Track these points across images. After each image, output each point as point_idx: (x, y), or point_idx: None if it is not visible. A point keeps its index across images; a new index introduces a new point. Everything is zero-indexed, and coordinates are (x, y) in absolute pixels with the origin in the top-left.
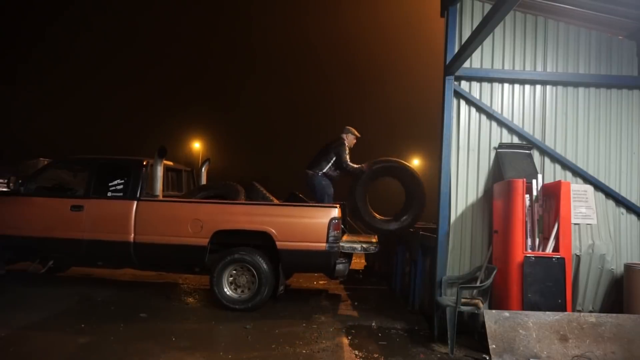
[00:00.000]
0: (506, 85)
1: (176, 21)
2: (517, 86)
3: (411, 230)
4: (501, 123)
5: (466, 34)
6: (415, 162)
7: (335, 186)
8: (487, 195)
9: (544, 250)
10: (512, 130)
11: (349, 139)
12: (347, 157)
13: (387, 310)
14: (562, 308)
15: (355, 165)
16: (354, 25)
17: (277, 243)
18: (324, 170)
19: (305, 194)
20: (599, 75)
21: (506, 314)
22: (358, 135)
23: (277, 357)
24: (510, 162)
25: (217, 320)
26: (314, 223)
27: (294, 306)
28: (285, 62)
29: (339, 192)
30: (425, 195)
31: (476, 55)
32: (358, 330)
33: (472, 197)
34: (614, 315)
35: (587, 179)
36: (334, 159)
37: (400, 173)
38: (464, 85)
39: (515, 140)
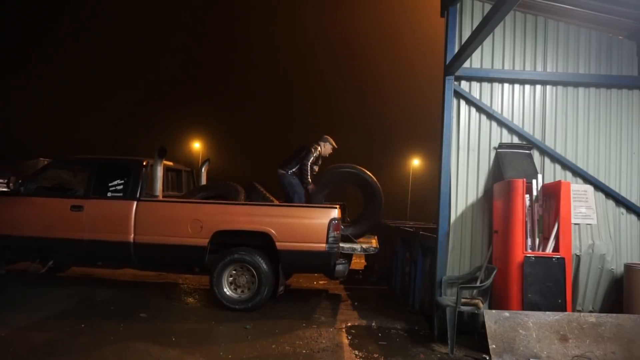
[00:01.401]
0: (506, 85)
1: (176, 22)
2: (517, 86)
3: (411, 230)
4: (501, 123)
5: (466, 34)
6: (415, 162)
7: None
8: (487, 195)
9: (544, 250)
10: (512, 130)
11: (326, 148)
12: (311, 160)
13: (387, 310)
14: (562, 308)
15: (309, 179)
16: (354, 26)
17: (277, 243)
18: (294, 169)
19: (278, 193)
20: (599, 75)
21: (506, 314)
22: (335, 146)
23: (277, 357)
24: (510, 162)
25: (217, 320)
26: (313, 224)
27: (294, 306)
28: (286, 62)
29: (339, 192)
30: (382, 201)
31: (476, 55)
32: (358, 330)
33: (472, 197)
34: (614, 315)
35: (587, 179)
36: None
37: (357, 179)
38: (464, 85)
39: (515, 140)
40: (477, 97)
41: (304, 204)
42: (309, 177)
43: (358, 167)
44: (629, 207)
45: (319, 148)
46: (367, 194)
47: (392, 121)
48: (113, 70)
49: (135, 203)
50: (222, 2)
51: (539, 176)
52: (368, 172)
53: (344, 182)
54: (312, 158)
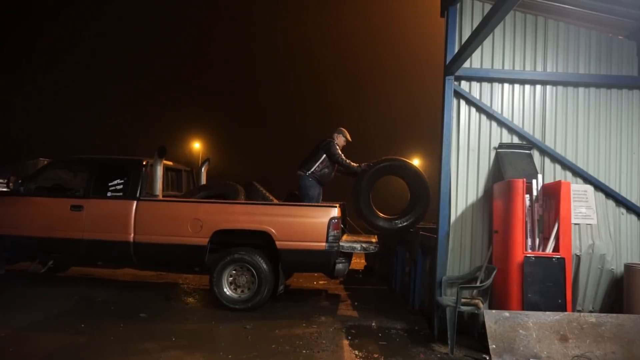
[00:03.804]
0: (506, 85)
1: (176, 22)
2: (517, 86)
3: (411, 230)
4: (501, 123)
5: (466, 34)
6: (416, 162)
7: (334, 185)
8: (487, 195)
9: (544, 250)
10: (512, 130)
11: (339, 140)
12: (338, 150)
13: (387, 310)
14: (562, 308)
15: (353, 163)
16: (354, 26)
17: (277, 243)
18: (311, 170)
19: (278, 193)
20: (599, 75)
21: (506, 314)
22: (349, 139)
23: (277, 357)
24: (510, 162)
25: (217, 320)
26: (313, 223)
27: (294, 306)
28: (286, 62)
29: (339, 192)
30: (429, 194)
31: (476, 55)
32: (358, 330)
33: (472, 197)
34: (614, 315)
35: (587, 179)
36: (323, 157)
37: (403, 172)
38: (464, 85)
39: (515, 140)
40: (477, 97)
41: (303, 203)
42: (347, 161)
43: (403, 159)
44: (629, 207)
45: (334, 140)
46: (413, 186)
47: (392, 121)
48: (112, 70)
49: (135, 203)
50: (225, 4)
51: (539, 176)
52: (412, 163)
53: (386, 175)
54: (337, 150)
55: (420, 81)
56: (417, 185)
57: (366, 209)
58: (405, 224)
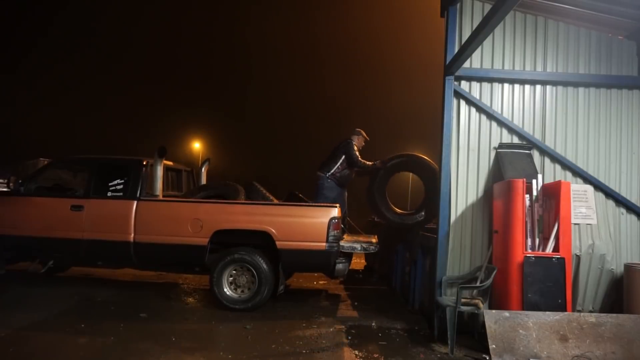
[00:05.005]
0: (506, 85)
1: (177, 22)
2: (517, 86)
3: (411, 230)
4: (501, 123)
5: (466, 34)
6: None
7: (350, 187)
8: (487, 195)
9: (544, 250)
10: (512, 130)
11: (358, 141)
12: (357, 154)
13: (387, 310)
14: (562, 308)
15: (368, 162)
16: (354, 26)
17: (277, 243)
18: (331, 172)
19: (309, 194)
20: (599, 75)
21: (506, 314)
22: (367, 138)
23: (277, 357)
24: (510, 162)
25: (217, 320)
26: (313, 223)
27: (294, 306)
28: (286, 63)
29: (355, 190)
30: None
31: (476, 55)
32: (358, 330)
33: (472, 197)
34: (614, 315)
35: (587, 179)
36: (342, 158)
37: (418, 167)
38: (464, 85)
39: (515, 140)
40: (477, 97)
41: (303, 203)
42: (367, 162)
43: (417, 154)
44: (629, 207)
45: (353, 142)
46: (428, 181)
47: (392, 121)
48: (113, 71)
49: (135, 203)
50: (225, 4)
51: (539, 176)
52: (427, 158)
53: (401, 171)
54: (355, 152)
55: (421, 81)
56: (432, 181)
57: (383, 205)
58: (420, 219)
